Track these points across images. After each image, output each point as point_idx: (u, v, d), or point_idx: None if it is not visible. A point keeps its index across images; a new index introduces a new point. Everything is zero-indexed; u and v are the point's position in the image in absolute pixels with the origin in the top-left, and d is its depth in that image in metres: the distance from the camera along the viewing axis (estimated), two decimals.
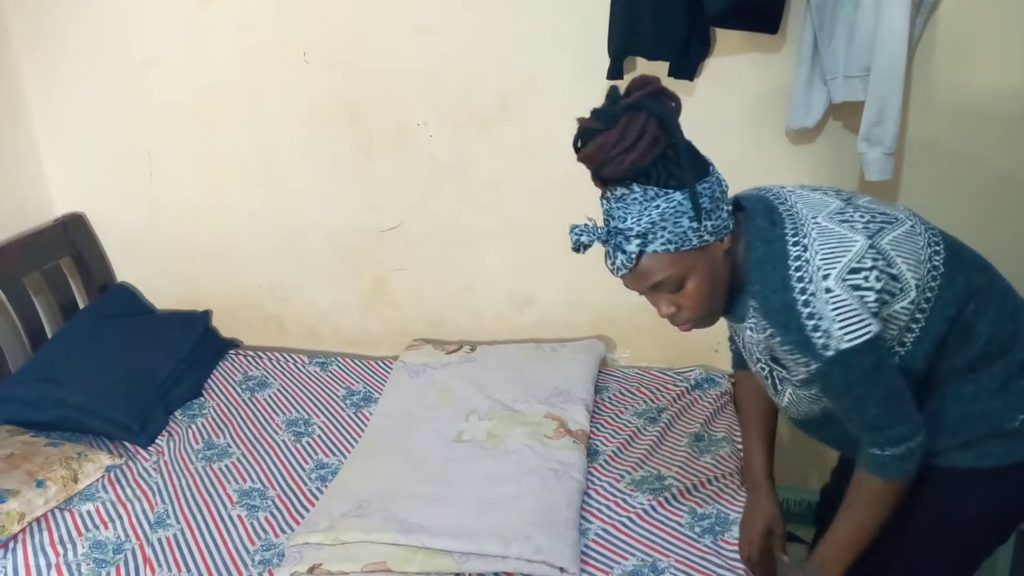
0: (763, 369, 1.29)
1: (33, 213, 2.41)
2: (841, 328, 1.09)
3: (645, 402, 2.11)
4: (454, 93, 2.15)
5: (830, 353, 1.10)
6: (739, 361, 1.56)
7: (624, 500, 1.75)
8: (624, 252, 1.12)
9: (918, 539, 1.34)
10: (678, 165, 1.09)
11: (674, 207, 1.10)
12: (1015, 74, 1.81)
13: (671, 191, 1.10)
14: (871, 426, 1.18)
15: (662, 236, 1.11)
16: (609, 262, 1.15)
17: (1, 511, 1.65)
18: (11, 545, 1.68)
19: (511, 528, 1.60)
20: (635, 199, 1.11)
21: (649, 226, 1.10)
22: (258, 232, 2.42)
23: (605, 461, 1.89)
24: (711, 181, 1.13)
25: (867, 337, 1.10)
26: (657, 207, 1.10)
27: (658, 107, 1.07)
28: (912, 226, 1.20)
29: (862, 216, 1.17)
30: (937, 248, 1.20)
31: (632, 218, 1.11)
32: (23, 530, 1.71)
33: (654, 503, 1.73)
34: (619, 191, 1.12)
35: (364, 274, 2.41)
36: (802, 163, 1.99)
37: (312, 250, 2.41)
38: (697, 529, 1.65)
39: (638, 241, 1.11)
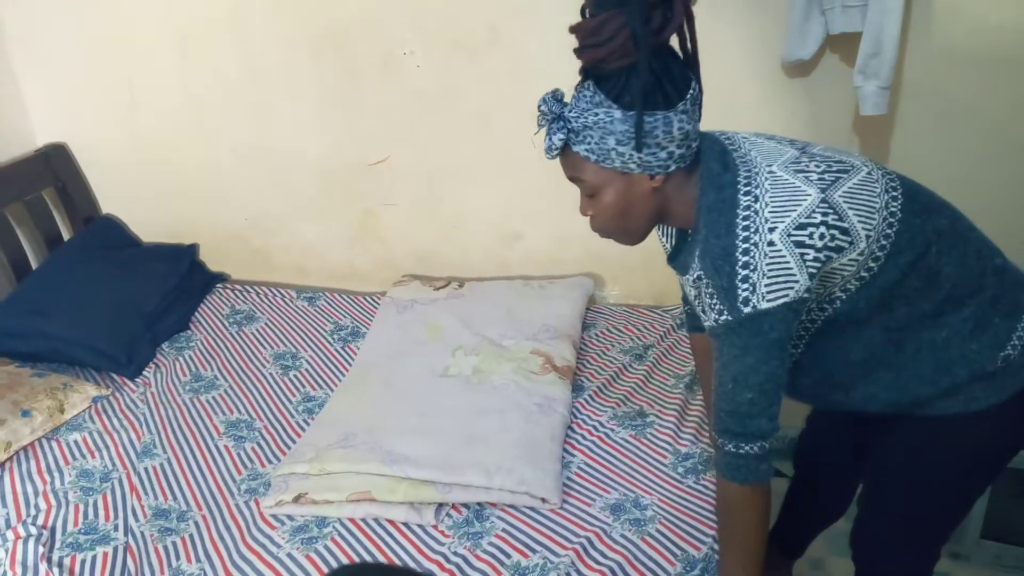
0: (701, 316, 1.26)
1: (14, 143, 2.36)
2: (767, 286, 1.07)
3: (632, 339, 2.11)
4: (441, 20, 2.08)
5: (747, 310, 1.08)
6: (692, 323, 1.53)
7: (608, 435, 1.77)
8: (551, 139, 1.12)
9: (913, 488, 1.34)
10: (639, 85, 1.05)
11: (607, 123, 1.08)
12: (1016, 10, 1.76)
13: (614, 107, 1.07)
14: (739, 412, 1.14)
15: (587, 143, 1.10)
16: (544, 141, 1.15)
17: None
18: None
19: (494, 460, 1.61)
20: (585, 96, 1.09)
21: (581, 127, 1.10)
22: (242, 163, 2.37)
23: (590, 397, 1.89)
24: (658, 117, 1.07)
25: (785, 300, 1.07)
26: (596, 114, 1.08)
27: (637, 20, 1.02)
28: (868, 173, 1.15)
29: (817, 166, 1.13)
30: (894, 194, 1.15)
31: (575, 112, 1.11)
32: (10, 458, 1.72)
33: (638, 440, 1.74)
34: (581, 82, 1.11)
35: (351, 208, 2.38)
36: (797, 96, 1.95)
37: (298, 183, 2.37)
38: (680, 469, 1.67)
39: (564, 135, 1.12)
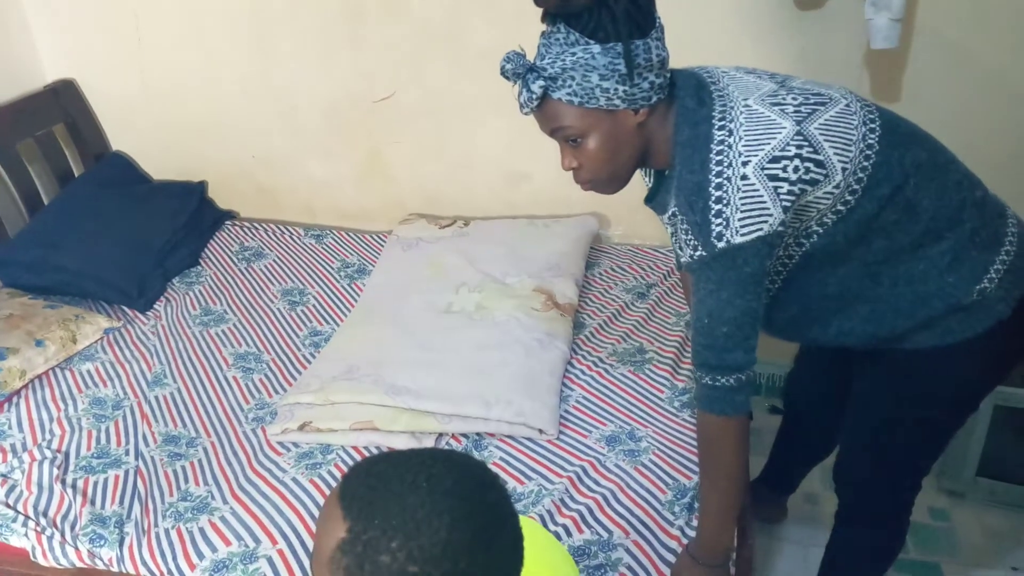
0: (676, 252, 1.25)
1: (23, 78, 2.37)
2: (741, 219, 1.07)
3: (635, 278, 2.12)
4: None
5: (721, 245, 1.08)
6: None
7: (606, 371, 1.79)
8: (529, 90, 1.10)
9: (892, 422, 1.35)
10: (613, 18, 1.04)
11: (587, 60, 1.05)
12: None
13: (592, 43, 1.05)
14: (715, 345, 1.14)
15: (569, 86, 1.08)
16: (518, 97, 1.12)
17: (2, 367, 1.71)
18: (14, 400, 1.75)
19: (493, 393, 1.64)
20: (558, 40, 1.07)
21: (560, 71, 1.07)
22: (249, 101, 2.37)
23: (591, 333, 1.91)
24: (638, 44, 1.06)
25: (759, 234, 1.07)
26: (573, 54, 1.06)
27: None
28: (847, 105, 1.14)
29: (794, 99, 1.12)
30: (872, 126, 1.14)
31: (549, 58, 1.08)
32: (25, 386, 1.77)
33: (636, 375, 1.77)
34: (550, 28, 1.09)
35: (358, 147, 2.38)
36: (808, 28, 1.90)
37: (304, 121, 2.36)
38: (676, 404, 1.69)
39: (543, 83, 1.09)
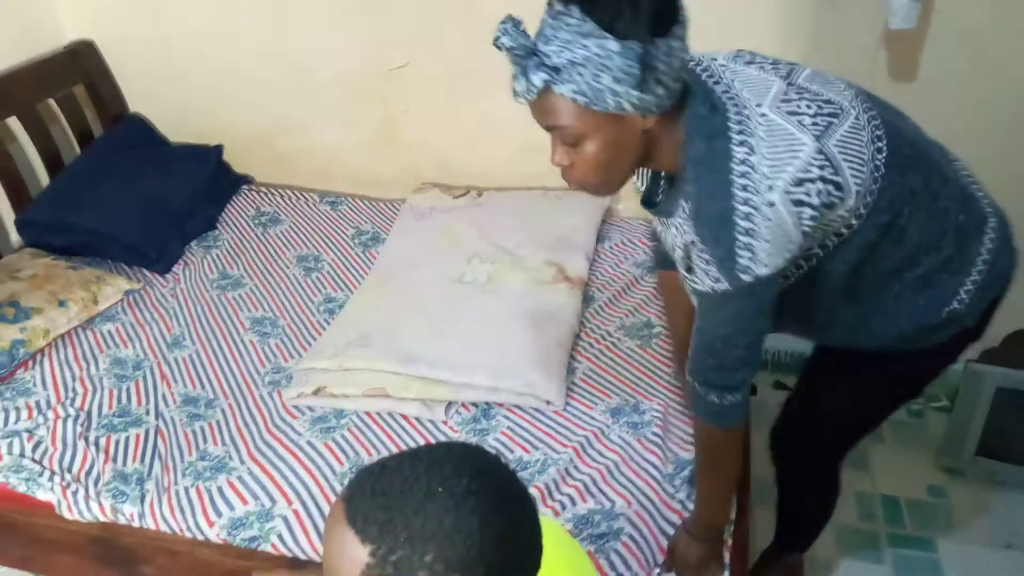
0: (682, 274, 1.17)
1: (42, 39, 2.38)
2: (767, 250, 0.98)
3: (645, 253, 2.14)
4: None
5: (746, 278, 0.99)
6: (661, 261, 1.43)
7: (614, 344, 1.82)
8: (528, 79, 0.96)
9: (841, 405, 1.39)
10: (635, 10, 0.91)
11: (602, 57, 0.92)
12: None
13: (609, 37, 0.91)
14: (726, 366, 1.10)
15: (575, 82, 0.94)
16: (513, 82, 0.99)
17: (27, 327, 1.77)
18: (38, 358, 1.80)
19: (503, 363, 1.68)
20: (568, 25, 0.93)
21: (567, 63, 0.93)
22: (266, 66, 2.38)
23: (600, 307, 1.94)
24: (660, 46, 0.93)
25: (781, 264, 1.00)
26: (585, 47, 0.92)
27: None
28: (856, 118, 1.05)
29: (808, 107, 1.02)
30: (879, 144, 1.06)
31: (555, 44, 0.94)
32: (48, 345, 1.83)
33: (643, 350, 1.80)
34: (560, 7, 0.94)
35: (374, 114, 2.39)
36: (826, 8, 1.89)
37: (320, 87, 2.38)
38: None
39: (546, 75, 0.95)
